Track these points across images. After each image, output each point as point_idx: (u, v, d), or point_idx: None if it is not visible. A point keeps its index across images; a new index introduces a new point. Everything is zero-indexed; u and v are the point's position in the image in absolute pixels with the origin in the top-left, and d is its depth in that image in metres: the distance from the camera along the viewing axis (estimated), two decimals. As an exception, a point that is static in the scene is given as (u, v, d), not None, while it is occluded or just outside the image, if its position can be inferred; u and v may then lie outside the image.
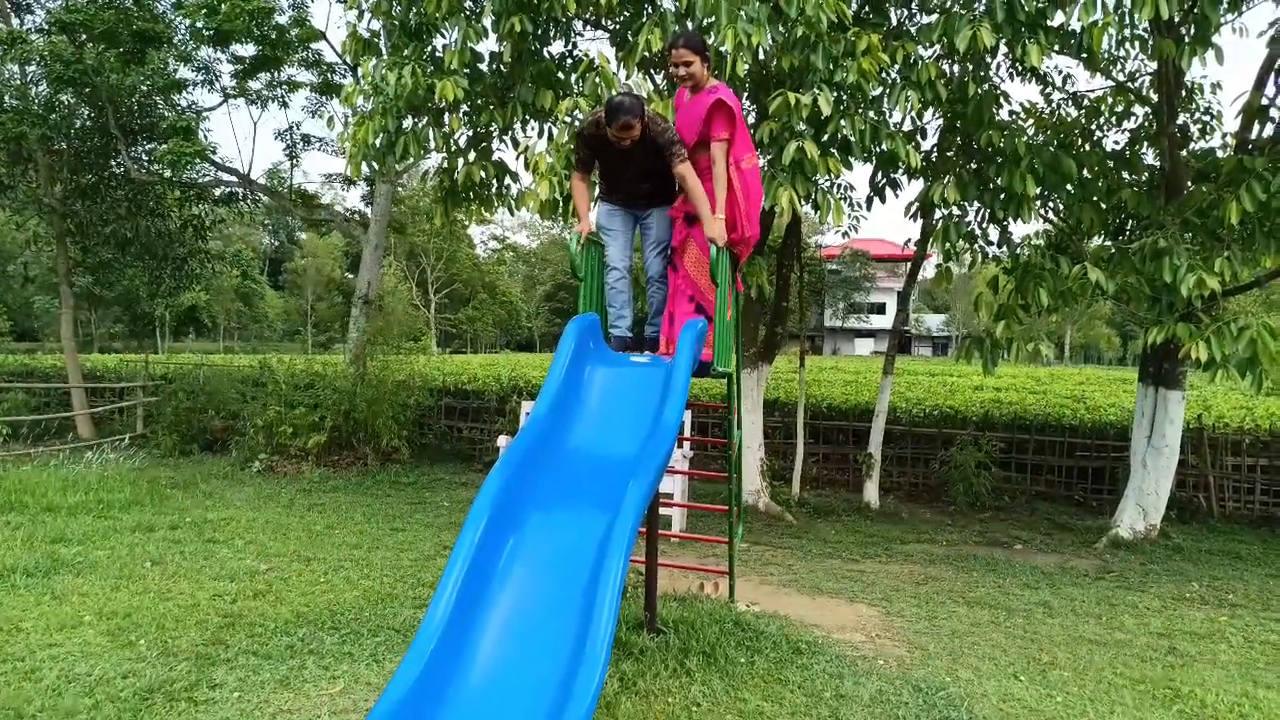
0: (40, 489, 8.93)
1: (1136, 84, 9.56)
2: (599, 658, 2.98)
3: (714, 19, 6.38)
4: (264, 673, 4.60)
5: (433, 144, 8.41)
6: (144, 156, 14.96)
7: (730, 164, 4.67)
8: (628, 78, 7.60)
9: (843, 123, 6.83)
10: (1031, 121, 9.63)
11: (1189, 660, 5.54)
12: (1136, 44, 7.81)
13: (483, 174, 8.38)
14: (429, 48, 8.18)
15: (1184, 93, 9.33)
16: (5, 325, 43.01)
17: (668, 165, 4.61)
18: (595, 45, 48.69)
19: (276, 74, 15.12)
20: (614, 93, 7.36)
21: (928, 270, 13.49)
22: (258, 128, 56.44)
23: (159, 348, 45.94)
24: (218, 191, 15.89)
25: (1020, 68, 9.01)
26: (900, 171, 8.85)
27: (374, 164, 8.67)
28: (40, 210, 14.86)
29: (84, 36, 13.31)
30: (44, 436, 14.20)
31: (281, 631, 5.24)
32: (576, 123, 7.46)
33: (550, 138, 8.17)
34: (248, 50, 14.54)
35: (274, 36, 13.84)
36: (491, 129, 8.42)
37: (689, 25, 6.93)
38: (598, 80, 7.30)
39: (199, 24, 13.62)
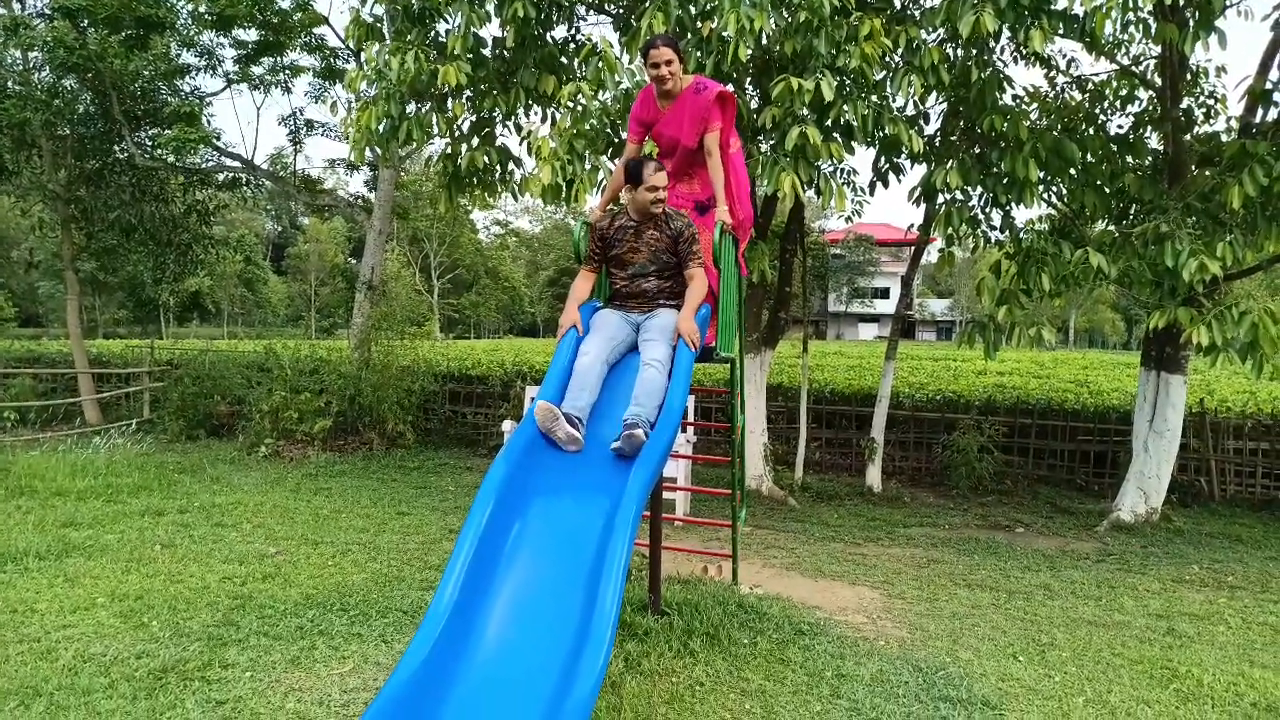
0: (49, 474, 9.02)
1: (1140, 68, 9.53)
2: (604, 638, 3.03)
3: (716, 3, 6.39)
4: (275, 653, 4.68)
5: (436, 129, 8.43)
6: (148, 142, 14.95)
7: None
8: (630, 62, 7.61)
9: (845, 108, 6.85)
10: (1035, 105, 9.61)
11: (1187, 641, 5.61)
12: (1140, 28, 7.78)
13: (486, 159, 8.40)
14: (432, 33, 8.19)
15: (1188, 76, 9.30)
16: (11, 311, 43.12)
17: (680, 261, 4.37)
18: (598, 30, 48.52)
19: (279, 59, 15.13)
20: (616, 78, 7.39)
21: (931, 255, 13.49)
22: (261, 113, 56.26)
23: (163, 333, 46.09)
24: (221, 177, 15.91)
25: (1024, 52, 9.00)
26: (903, 156, 8.84)
27: (377, 149, 8.71)
28: (45, 196, 14.88)
29: (86, 22, 13.30)
30: (51, 422, 14.30)
31: (291, 613, 5.32)
32: (579, 107, 7.49)
33: (553, 122, 8.19)
34: (250, 35, 14.55)
35: (276, 21, 13.85)
36: (495, 114, 8.44)
37: (691, 10, 6.93)
38: (600, 65, 7.31)
39: (201, 9, 13.63)
